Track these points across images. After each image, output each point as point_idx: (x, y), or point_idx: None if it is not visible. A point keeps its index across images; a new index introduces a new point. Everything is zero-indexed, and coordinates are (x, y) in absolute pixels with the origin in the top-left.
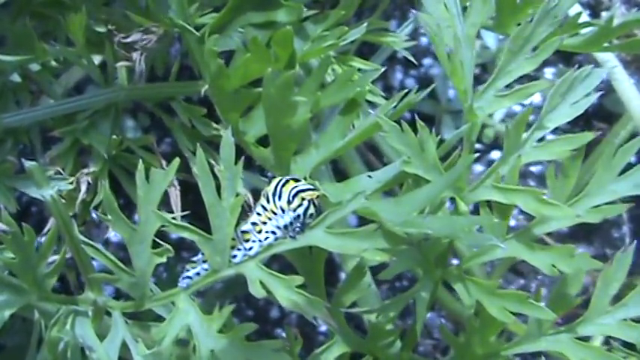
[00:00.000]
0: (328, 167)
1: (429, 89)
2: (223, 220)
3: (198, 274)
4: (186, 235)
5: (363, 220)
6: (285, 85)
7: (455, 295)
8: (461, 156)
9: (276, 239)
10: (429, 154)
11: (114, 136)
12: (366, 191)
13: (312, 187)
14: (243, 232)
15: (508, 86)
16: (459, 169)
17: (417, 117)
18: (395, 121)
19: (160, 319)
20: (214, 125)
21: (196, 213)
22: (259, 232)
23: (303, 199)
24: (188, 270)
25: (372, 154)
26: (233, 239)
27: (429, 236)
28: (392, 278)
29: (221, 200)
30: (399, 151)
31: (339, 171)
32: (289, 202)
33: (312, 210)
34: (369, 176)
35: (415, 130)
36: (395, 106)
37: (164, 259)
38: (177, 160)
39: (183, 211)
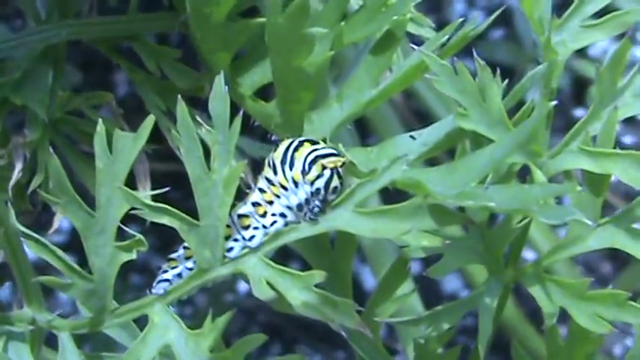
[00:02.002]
0: (353, 129)
1: (495, 14)
2: (214, 200)
3: (179, 275)
4: (164, 220)
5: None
6: (298, 12)
7: None
8: (535, 108)
9: (286, 224)
10: (493, 104)
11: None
12: (409, 156)
13: (335, 151)
14: (241, 216)
15: (599, 14)
16: (532, 123)
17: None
18: None
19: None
20: (194, 73)
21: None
22: (263, 215)
23: (323, 167)
24: (165, 271)
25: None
26: (228, 226)
27: (495, 218)
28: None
29: (211, 172)
30: (451, 103)
31: (367, 134)
32: (305, 172)
33: (335, 182)
34: (412, 137)
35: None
36: (448, 40)
37: (133, 256)
38: (151, 118)
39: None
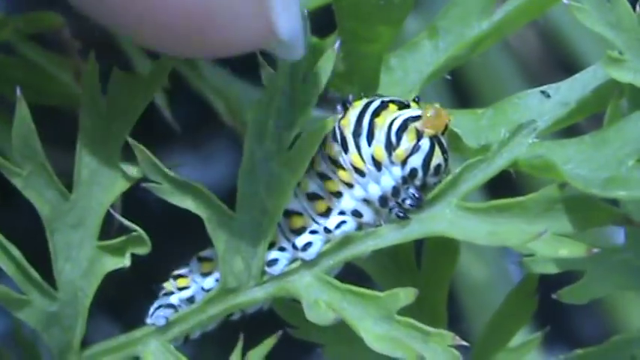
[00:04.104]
0: (453, 84)
1: None
2: (263, 180)
3: (190, 299)
4: (188, 204)
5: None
6: None
7: None
8: None
9: (359, 227)
10: None
11: None
12: (538, 123)
13: (433, 112)
14: (291, 213)
15: None
16: None
17: None
18: None
19: None
20: None
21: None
22: (325, 213)
23: (419, 134)
24: (169, 293)
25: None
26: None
27: None
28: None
29: (264, 139)
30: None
31: (472, 95)
32: (392, 146)
33: (439, 158)
34: (544, 94)
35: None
36: None
37: (125, 263)
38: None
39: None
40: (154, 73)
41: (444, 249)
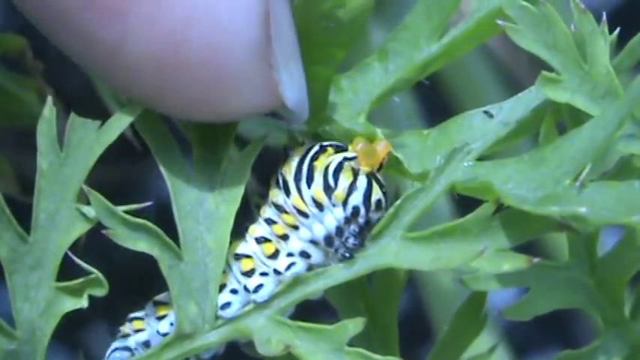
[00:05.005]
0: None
1: None
2: (204, 224)
3: (146, 343)
4: (141, 245)
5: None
6: None
7: None
8: None
9: (309, 267)
10: (598, 65)
11: None
12: (473, 146)
13: (369, 147)
14: (241, 256)
15: None
16: None
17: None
18: None
19: None
20: None
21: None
22: (273, 255)
23: (355, 172)
24: (126, 335)
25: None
26: (223, 272)
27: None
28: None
29: (197, 180)
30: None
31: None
32: (330, 189)
33: (377, 193)
34: (487, 114)
35: None
36: None
37: (84, 304)
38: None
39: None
40: (114, 122)
41: (390, 272)
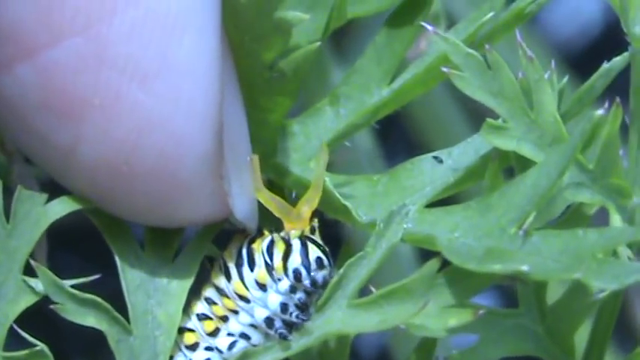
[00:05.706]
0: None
1: None
2: (155, 297)
3: None
4: (90, 320)
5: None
6: None
7: None
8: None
9: (251, 345)
10: (545, 114)
11: None
12: (425, 190)
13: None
14: (184, 330)
15: None
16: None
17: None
18: None
19: None
20: None
21: None
22: (213, 333)
23: (286, 241)
24: None
25: None
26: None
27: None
28: None
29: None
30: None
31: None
32: (270, 266)
33: (315, 252)
34: (437, 159)
35: None
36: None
37: None
38: None
39: None
40: (64, 200)
41: (339, 341)
